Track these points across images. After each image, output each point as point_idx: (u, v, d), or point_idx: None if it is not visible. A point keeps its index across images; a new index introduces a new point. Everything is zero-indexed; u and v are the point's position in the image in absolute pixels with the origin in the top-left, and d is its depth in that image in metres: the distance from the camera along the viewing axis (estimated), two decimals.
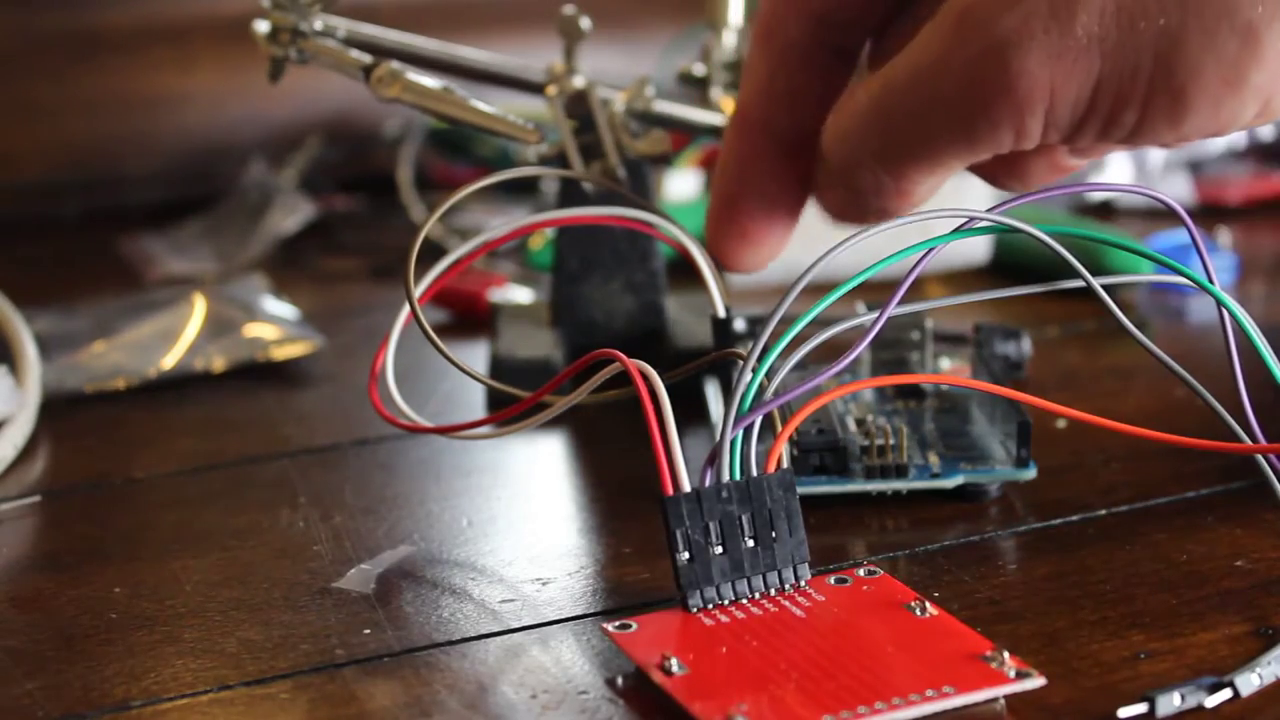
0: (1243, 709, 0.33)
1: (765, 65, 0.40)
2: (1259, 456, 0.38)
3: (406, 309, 0.42)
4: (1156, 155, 0.71)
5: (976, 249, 0.62)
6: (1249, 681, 0.33)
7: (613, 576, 0.40)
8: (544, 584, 0.39)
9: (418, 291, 0.42)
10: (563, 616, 0.38)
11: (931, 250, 0.36)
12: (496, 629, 0.37)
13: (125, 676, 0.36)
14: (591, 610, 0.38)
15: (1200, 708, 0.33)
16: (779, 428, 0.36)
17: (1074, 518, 0.42)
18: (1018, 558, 0.40)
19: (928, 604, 0.36)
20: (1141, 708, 0.32)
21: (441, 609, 0.38)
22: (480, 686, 0.35)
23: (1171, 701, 0.33)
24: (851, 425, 0.44)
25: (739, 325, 0.49)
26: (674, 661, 0.34)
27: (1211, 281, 0.37)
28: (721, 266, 0.43)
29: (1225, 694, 0.33)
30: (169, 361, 0.55)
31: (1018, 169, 0.38)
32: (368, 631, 0.37)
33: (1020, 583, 0.39)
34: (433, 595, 0.39)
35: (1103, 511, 0.42)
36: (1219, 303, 0.37)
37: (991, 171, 0.38)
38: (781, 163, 0.41)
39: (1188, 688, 0.33)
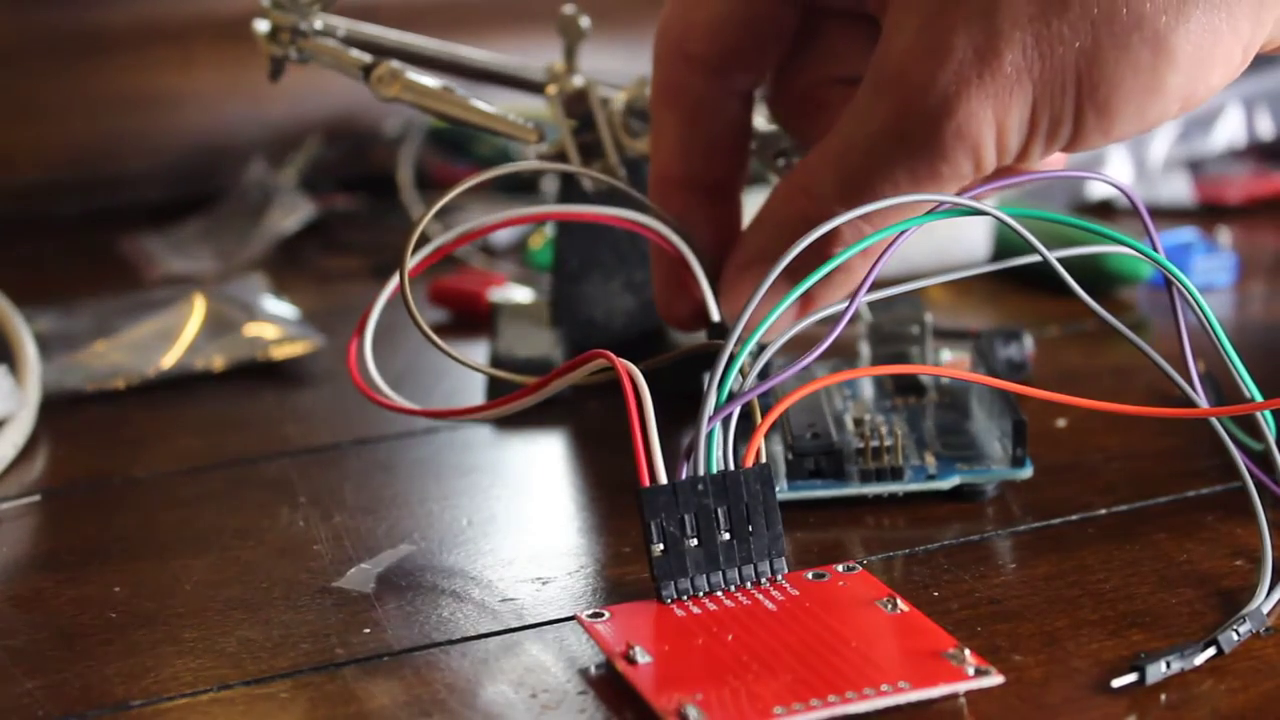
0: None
1: (677, 126, 0.43)
2: (1213, 421, 0.38)
3: (394, 283, 0.42)
4: (1156, 155, 0.71)
5: (976, 247, 0.62)
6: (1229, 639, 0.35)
7: (613, 576, 0.40)
8: (544, 583, 0.39)
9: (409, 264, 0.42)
10: (563, 616, 0.38)
11: (904, 233, 0.37)
12: (496, 628, 0.37)
13: (125, 676, 0.36)
14: (591, 610, 0.38)
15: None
16: (758, 420, 0.37)
17: (1074, 517, 0.42)
18: (1017, 557, 0.40)
19: (899, 600, 0.36)
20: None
21: (441, 608, 0.38)
22: (480, 686, 0.35)
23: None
24: (849, 425, 0.44)
25: None
26: (638, 650, 0.34)
27: (1158, 251, 0.39)
28: (683, 329, 0.45)
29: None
30: (169, 361, 0.55)
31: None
32: (368, 631, 0.37)
33: (1020, 582, 0.39)
34: (432, 595, 0.39)
35: (1103, 511, 0.42)
36: (1170, 276, 0.38)
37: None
38: (716, 210, 0.44)
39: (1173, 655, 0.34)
